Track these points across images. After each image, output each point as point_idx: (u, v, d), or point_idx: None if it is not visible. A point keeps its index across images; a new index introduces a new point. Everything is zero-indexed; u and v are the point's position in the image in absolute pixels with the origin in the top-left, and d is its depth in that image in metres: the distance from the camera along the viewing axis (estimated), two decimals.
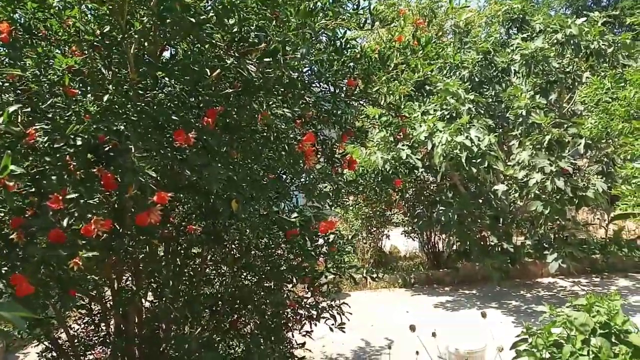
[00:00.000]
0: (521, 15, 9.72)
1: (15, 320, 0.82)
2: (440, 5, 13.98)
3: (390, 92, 2.60)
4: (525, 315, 7.16)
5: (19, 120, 2.14)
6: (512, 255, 8.39)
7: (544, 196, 7.34)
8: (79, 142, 1.76)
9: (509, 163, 7.88)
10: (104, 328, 3.54)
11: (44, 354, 3.37)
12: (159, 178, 2.02)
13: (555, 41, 8.00)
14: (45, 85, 2.21)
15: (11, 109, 1.53)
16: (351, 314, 3.26)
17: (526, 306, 7.72)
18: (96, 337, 3.56)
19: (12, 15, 2.43)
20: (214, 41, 1.91)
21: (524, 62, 8.15)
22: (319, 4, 2.42)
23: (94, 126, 1.78)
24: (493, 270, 7.94)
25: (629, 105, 5.32)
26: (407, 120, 4.74)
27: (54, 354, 3.32)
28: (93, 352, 3.56)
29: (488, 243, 8.56)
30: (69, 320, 3.56)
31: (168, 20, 1.83)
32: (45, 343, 3.34)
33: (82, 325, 3.58)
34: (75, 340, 3.39)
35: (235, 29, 1.91)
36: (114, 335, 3.30)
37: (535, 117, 7.40)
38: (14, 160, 1.97)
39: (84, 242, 1.75)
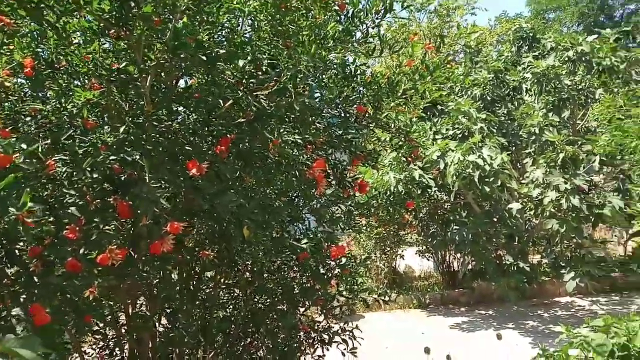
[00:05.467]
0: (531, 34, 9.78)
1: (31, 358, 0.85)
2: (451, 26, 14.10)
3: (398, 117, 2.63)
4: (542, 336, 7.04)
5: (40, 151, 2.21)
6: (529, 274, 8.27)
7: (559, 214, 7.27)
8: (95, 175, 1.81)
9: (522, 181, 7.84)
10: (118, 353, 3.56)
11: None
12: (172, 206, 2.06)
13: (566, 59, 8.00)
14: (65, 117, 2.29)
15: (35, 145, 1.59)
16: (363, 339, 3.25)
17: (544, 326, 7.60)
18: None
19: (35, 49, 2.53)
20: (224, 77, 1.97)
21: (535, 80, 8.17)
22: (330, 32, 2.47)
23: (111, 158, 1.84)
24: (509, 290, 7.84)
25: None
26: (417, 142, 4.76)
27: None
28: None
29: (504, 262, 8.46)
30: (84, 345, 3.58)
31: (182, 56, 1.89)
32: None
33: (97, 350, 3.60)
34: None
35: (245, 68, 1.97)
36: None
37: (548, 134, 7.37)
38: (33, 190, 2.03)
39: (99, 270, 1.79)
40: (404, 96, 2.62)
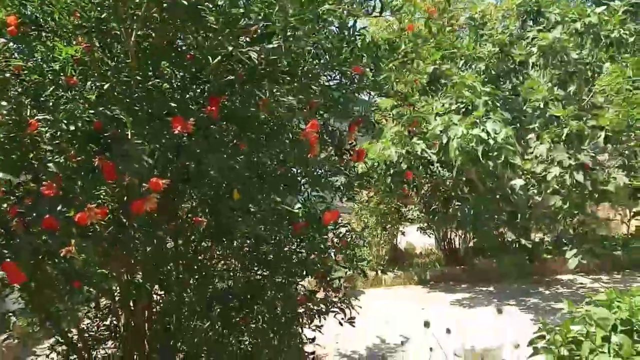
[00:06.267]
0: (535, 7, 9.50)
1: None
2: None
3: (397, 80, 2.53)
4: (544, 313, 7.00)
5: (26, 113, 2.12)
6: (531, 251, 8.22)
7: (563, 190, 7.17)
8: (72, 128, 1.72)
9: (526, 157, 7.72)
10: (114, 322, 3.52)
11: (54, 347, 3.38)
12: (161, 169, 1.98)
13: (574, 31, 7.80)
14: (48, 75, 2.19)
15: None
16: (360, 307, 3.20)
17: (545, 303, 7.56)
18: (107, 332, 3.55)
19: (21, 9, 2.41)
20: (208, 24, 1.86)
21: (541, 53, 7.97)
22: None
23: (90, 112, 1.75)
24: (511, 267, 7.81)
25: None
26: (418, 113, 4.65)
27: (64, 347, 3.32)
28: (105, 346, 3.55)
29: (505, 239, 8.40)
30: (80, 314, 3.54)
31: (164, 5, 1.79)
32: (56, 337, 3.33)
33: (92, 319, 3.57)
34: (85, 334, 3.39)
35: (227, 11, 1.86)
36: (124, 330, 3.28)
37: (553, 109, 7.22)
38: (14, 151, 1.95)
39: (78, 230, 1.72)
40: (404, 58, 2.51)
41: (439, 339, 4.06)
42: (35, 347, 5.73)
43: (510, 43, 8.77)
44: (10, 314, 3.81)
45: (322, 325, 3.24)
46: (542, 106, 7.37)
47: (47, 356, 3.47)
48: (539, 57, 7.93)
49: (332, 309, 3.18)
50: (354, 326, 3.09)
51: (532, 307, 7.39)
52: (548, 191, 7.26)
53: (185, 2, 1.76)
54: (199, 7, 1.80)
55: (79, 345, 3.26)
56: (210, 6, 1.83)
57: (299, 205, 2.44)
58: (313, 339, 3.39)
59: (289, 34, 1.87)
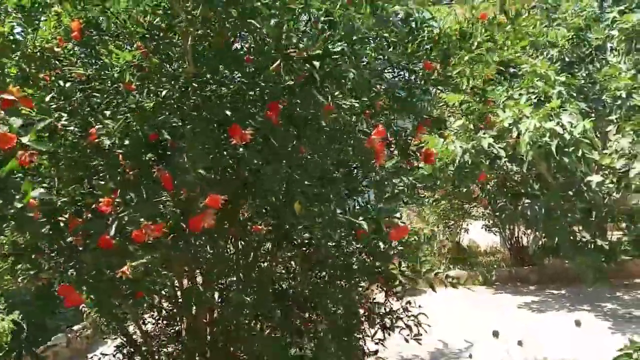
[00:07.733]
0: None
1: None
2: None
3: (474, 74, 2.31)
4: (623, 321, 6.47)
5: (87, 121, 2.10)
6: (608, 252, 7.63)
7: None
8: (126, 142, 1.66)
9: (605, 151, 7.13)
10: (177, 326, 3.54)
11: (120, 349, 3.44)
12: (217, 178, 1.89)
13: None
14: (108, 83, 2.15)
15: (48, 121, 1.44)
16: (430, 325, 3.00)
17: (624, 310, 6.99)
18: (169, 335, 3.57)
19: (86, 14, 2.41)
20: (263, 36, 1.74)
21: (623, 37, 7.32)
22: None
23: (146, 124, 1.68)
24: (587, 269, 7.26)
25: None
26: (492, 107, 4.35)
27: (130, 349, 3.37)
28: (167, 348, 3.58)
29: (578, 239, 7.84)
30: (144, 316, 3.59)
31: (219, 8, 1.68)
32: (121, 338, 3.39)
33: (155, 322, 3.61)
34: (149, 337, 3.42)
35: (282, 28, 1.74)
36: (186, 334, 3.28)
37: (637, 99, 6.61)
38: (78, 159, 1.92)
39: (142, 246, 1.66)
40: (479, 49, 2.27)
41: (508, 348, 3.80)
42: (105, 338, 5.93)
43: (587, 26, 8.12)
44: (84, 305, 3.96)
45: (384, 339, 3.07)
46: (623, 95, 6.76)
47: (114, 355, 3.55)
48: (621, 41, 7.29)
49: (396, 325, 2.99)
50: (420, 343, 2.91)
51: (610, 314, 6.85)
52: (630, 189, 6.68)
53: (234, 12, 1.64)
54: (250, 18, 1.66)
55: (143, 348, 3.29)
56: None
57: (362, 217, 2.27)
58: (376, 352, 3.23)
59: (354, 39, 1.72)
